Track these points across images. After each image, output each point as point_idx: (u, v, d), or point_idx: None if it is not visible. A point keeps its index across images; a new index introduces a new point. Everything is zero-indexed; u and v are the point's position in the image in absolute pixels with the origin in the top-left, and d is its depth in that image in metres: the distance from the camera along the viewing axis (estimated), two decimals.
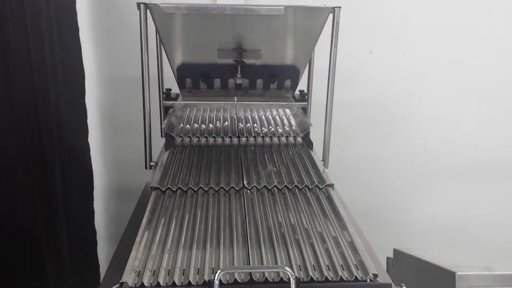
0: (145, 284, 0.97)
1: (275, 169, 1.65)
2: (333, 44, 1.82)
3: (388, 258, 1.69)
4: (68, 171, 2.04)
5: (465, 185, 2.95)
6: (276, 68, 2.05)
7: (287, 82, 2.13)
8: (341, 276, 1.02)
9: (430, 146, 2.85)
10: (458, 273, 1.16)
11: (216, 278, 0.91)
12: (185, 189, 1.47)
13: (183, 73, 2.03)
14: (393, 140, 2.84)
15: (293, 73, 2.08)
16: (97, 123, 2.59)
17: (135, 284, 0.97)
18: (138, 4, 1.69)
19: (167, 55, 1.95)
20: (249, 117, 2.16)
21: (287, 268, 0.95)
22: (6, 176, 1.67)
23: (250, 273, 1.00)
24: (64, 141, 1.99)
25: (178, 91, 2.16)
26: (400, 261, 1.54)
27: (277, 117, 2.19)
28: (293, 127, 2.08)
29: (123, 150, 2.72)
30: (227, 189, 1.48)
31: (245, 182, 1.51)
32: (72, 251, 2.05)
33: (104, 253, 2.54)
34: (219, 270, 0.93)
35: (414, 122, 2.81)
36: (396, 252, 1.58)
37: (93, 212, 2.37)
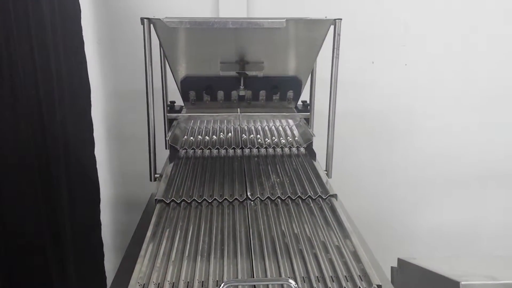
0: None
1: (278, 180, 1.66)
2: (335, 55, 1.84)
3: (392, 268, 1.69)
4: (75, 184, 2.06)
5: (469, 194, 2.94)
6: (278, 79, 2.07)
7: (290, 93, 2.15)
8: (344, 287, 1.02)
9: (434, 155, 2.85)
10: (463, 282, 1.16)
11: None
12: (189, 201, 1.48)
13: (186, 85, 2.06)
14: (396, 150, 2.85)
15: (295, 84, 2.10)
16: (103, 136, 2.62)
17: None
18: (142, 19, 1.72)
19: (170, 68, 1.97)
20: (253, 128, 2.17)
21: (290, 280, 0.95)
22: (12, 189, 1.69)
23: (254, 286, 1.01)
24: (70, 154, 2.02)
25: (182, 104, 2.19)
26: (405, 271, 1.54)
27: (280, 128, 2.21)
28: (296, 138, 2.09)
29: (128, 162, 2.75)
30: (230, 200, 1.49)
31: (248, 194, 1.52)
32: (78, 263, 2.07)
33: (111, 264, 2.55)
34: (223, 283, 0.94)
35: (418, 131, 2.81)
36: (400, 261, 1.58)
37: (100, 224, 2.39)
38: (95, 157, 2.29)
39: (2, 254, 1.64)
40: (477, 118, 2.79)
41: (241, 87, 1.99)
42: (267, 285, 1.01)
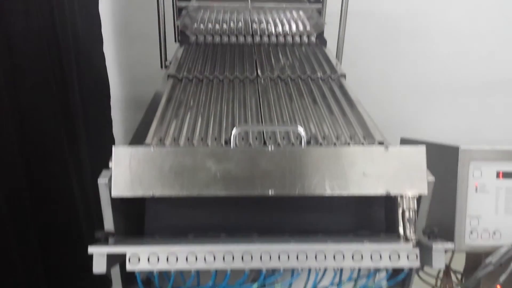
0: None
1: (288, 62, 1.68)
2: None
3: None
4: (85, 80, 2.08)
5: (475, 102, 2.93)
6: None
7: None
8: (348, 142, 1.09)
9: (442, 62, 2.80)
10: (462, 147, 1.22)
11: (232, 134, 0.99)
12: (200, 78, 1.52)
13: None
14: (405, 56, 2.80)
15: None
16: (110, 34, 2.59)
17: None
18: None
19: None
20: (263, 18, 2.14)
21: (299, 127, 1.01)
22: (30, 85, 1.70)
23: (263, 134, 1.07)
24: (80, 51, 2.02)
25: None
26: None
27: (291, 19, 2.17)
28: (307, 28, 2.07)
29: (137, 62, 2.75)
30: (241, 78, 1.53)
31: (259, 72, 1.55)
32: (92, 159, 2.14)
33: None
34: (235, 128, 1.00)
35: (428, 36, 2.74)
36: (402, 140, 1.63)
37: (111, 120, 2.45)
38: (103, 53, 2.29)
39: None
40: (489, 26, 2.70)
41: None
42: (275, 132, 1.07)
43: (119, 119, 2.79)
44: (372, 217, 1.14)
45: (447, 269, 1.37)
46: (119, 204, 1.00)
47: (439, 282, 1.35)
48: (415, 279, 1.37)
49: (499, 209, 1.26)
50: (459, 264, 1.42)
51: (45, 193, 1.72)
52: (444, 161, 1.27)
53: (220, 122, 1.22)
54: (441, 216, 1.28)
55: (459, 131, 2.97)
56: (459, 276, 1.40)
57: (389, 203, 1.12)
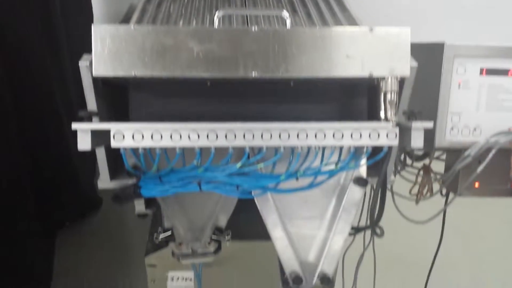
0: None
1: None
2: None
3: None
4: None
5: None
6: None
7: None
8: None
9: None
10: (447, 43, 1.22)
11: (216, 16, 0.97)
12: None
13: None
14: None
15: None
16: None
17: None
18: None
19: None
20: None
21: (284, 12, 1.00)
22: None
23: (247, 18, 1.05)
24: None
25: None
26: None
27: None
28: None
29: None
30: None
31: None
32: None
33: None
34: (217, 11, 0.98)
35: None
36: None
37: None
38: None
39: None
40: None
41: None
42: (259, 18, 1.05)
43: None
44: (355, 108, 1.15)
45: (427, 169, 1.41)
46: (101, 87, 0.99)
47: (419, 179, 1.39)
48: (396, 178, 1.42)
49: (480, 106, 1.28)
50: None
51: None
52: (428, 60, 1.27)
53: (204, 10, 1.19)
54: (423, 114, 1.31)
55: None
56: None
57: (372, 93, 1.13)
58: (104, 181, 1.10)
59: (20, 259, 1.70)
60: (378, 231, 1.11)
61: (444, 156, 1.41)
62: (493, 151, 1.21)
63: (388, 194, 1.25)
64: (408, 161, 1.45)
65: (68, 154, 2.05)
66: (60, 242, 2.24)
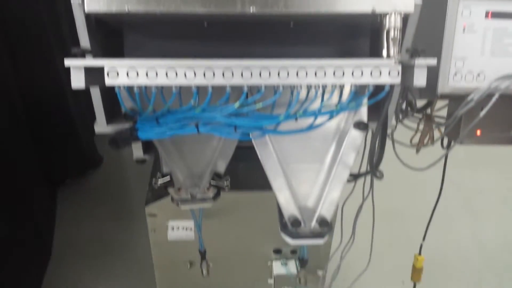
0: None
1: None
2: None
3: None
4: None
5: None
6: None
7: None
8: None
9: None
10: None
11: None
12: None
13: None
14: None
15: None
16: None
17: None
18: None
19: None
20: None
21: None
22: None
23: None
24: None
25: None
26: None
27: None
28: None
29: None
30: None
31: None
32: None
33: None
34: None
35: None
36: None
37: None
38: None
39: None
40: None
41: None
42: None
43: None
44: (357, 51, 1.12)
45: (429, 117, 1.39)
46: (94, 25, 0.96)
47: (421, 126, 1.37)
48: (398, 127, 1.41)
49: (485, 50, 1.24)
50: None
51: None
52: (434, 2, 1.23)
53: None
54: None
55: None
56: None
57: (375, 37, 1.10)
58: (101, 125, 1.08)
59: (23, 208, 1.72)
60: (378, 174, 1.10)
61: (446, 109, 1.39)
62: (496, 95, 1.18)
63: (389, 142, 1.23)
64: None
65: (67, 111, 2.04)
66: (62, 198, 2.26)
